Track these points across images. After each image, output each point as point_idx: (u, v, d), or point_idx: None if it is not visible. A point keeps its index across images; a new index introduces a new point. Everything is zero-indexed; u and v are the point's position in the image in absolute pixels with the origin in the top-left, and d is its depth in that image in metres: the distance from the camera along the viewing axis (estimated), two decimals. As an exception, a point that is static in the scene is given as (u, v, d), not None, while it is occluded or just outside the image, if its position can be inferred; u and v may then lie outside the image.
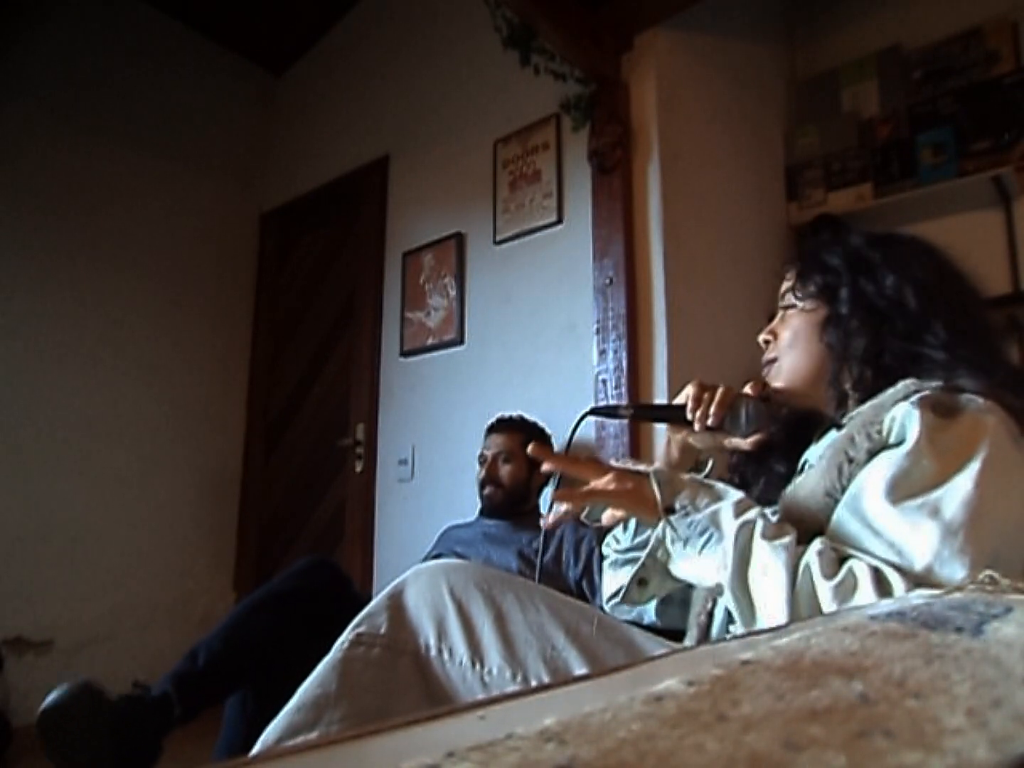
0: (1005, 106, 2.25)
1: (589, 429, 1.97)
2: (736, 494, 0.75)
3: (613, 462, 0.85)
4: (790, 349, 0.91)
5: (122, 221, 2.81)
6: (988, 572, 0.54)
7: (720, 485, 0.78)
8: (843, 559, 0.66)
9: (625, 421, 1.90)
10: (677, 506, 0.75)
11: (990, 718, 0.21)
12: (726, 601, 0.71)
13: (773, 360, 0.93)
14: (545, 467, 0.86)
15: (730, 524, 0.71)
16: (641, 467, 0.81)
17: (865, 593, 0.62)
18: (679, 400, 0.94)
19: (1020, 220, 2.27)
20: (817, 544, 0.68)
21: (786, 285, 0.94)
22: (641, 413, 1.08)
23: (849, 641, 0.31)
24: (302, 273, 3.10)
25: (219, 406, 3.05)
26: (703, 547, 0.71)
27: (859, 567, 0.64)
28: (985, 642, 0.29)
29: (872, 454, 0.73)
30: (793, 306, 0.92)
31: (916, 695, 0.23)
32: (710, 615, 0.87)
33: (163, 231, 2.93)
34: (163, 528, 2.81)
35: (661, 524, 0.75)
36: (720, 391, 0.91)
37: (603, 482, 0.80)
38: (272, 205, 3.27)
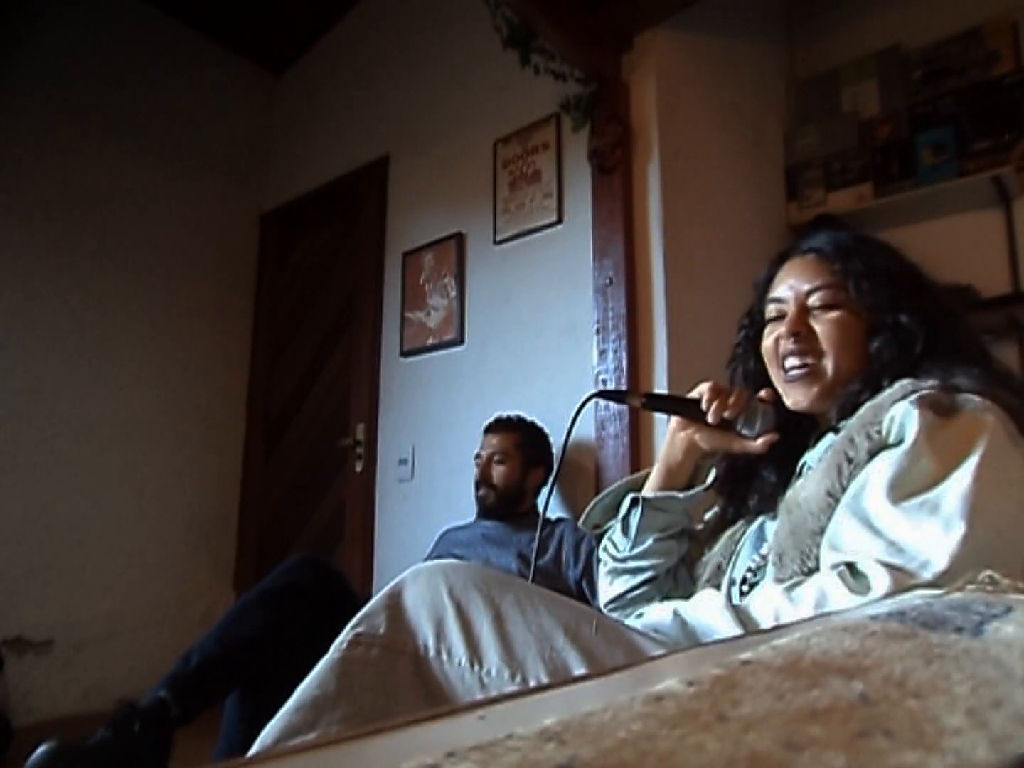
0: (1005, 106, 2.25)
1: (589, 428, 1.97)
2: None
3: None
4: (841, 351, 0.86)
5: (121, 221, 2.81)
6: (988, 572, 0.54)
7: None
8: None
9: (626, 422, 1.90)
10: None
11: (990, 718, 0.21)
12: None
13: (805, 356, 0.88)
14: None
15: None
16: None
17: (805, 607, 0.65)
18: (692, 396, 0.94)
19: (1020, 220, 2.27)
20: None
21: (819, 281, 0.89)
22: (653, 403, 1.02)
23: (849, 641, 0.31)
24: (302, 273, 3.10)
25: (219, 406, 3.05)
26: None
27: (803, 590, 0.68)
28: (985, 642, 0.29)
29: (872, 454, 0.73)
30: (835, 306, 0.88)
31: (916, 695, 0.23)
32: None
33: (163, 231, 2.93)
34: (163, 528, 2.81)
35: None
36: (736, 391, 0.92)
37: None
38: (272, 205, 3.27)
